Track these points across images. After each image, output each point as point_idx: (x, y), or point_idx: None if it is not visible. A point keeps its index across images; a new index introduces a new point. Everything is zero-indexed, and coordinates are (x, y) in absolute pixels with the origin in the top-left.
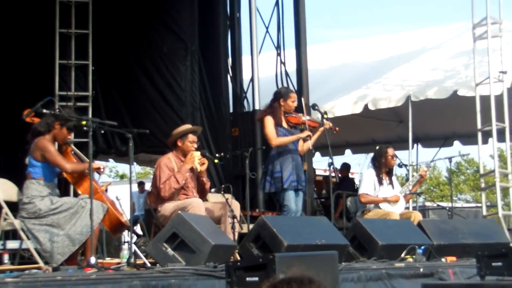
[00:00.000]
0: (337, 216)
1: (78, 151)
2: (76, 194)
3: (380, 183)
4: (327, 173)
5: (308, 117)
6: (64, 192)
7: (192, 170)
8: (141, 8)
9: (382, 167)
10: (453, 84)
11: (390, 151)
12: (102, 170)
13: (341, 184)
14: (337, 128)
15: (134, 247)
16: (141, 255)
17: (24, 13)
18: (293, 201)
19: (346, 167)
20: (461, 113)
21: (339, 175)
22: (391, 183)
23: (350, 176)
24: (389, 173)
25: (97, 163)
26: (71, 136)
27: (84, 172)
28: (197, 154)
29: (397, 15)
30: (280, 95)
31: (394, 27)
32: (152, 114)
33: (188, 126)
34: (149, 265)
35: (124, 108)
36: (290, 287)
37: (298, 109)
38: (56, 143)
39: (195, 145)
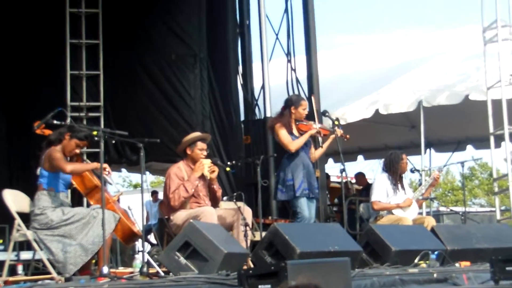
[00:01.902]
0: None
1: (90, 162)
2: (89, 206)
3: (395, 189)
4: (339, 180)
5: (319, 125)
6: (78, 204)
7: (203, 177)
8: (148, 15)
9: (398, 173)
10: (464, 88)
11: (405, 157)
12: (108, 173)
13: (363, 191)
14: (348, 136)
15: (146, 256)
16: (154, 264)
17: (35, 25)
18: (307, 208)
19: (362, 175)
20: (473, 117)
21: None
22: (403, 188)
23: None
24: (401, 179)
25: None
26: (78, 150)
27: (95, 183)
28: (207, 161)
29: (406, 20)
30: (291, 102)
31: (404, 31)
32: (162, 122)
33: (197, 134)
34: (162, 274)
35: (134, 117)
36: None
37: (309, 116)
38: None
39: (205, 153)
